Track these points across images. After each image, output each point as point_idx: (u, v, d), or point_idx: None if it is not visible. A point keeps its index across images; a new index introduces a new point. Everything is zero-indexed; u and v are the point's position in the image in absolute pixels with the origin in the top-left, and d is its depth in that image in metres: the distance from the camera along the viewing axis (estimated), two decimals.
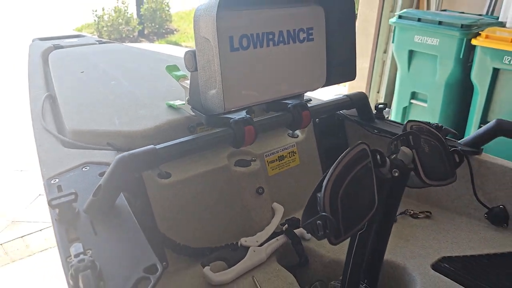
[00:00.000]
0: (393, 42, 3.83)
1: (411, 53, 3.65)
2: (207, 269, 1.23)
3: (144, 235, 0.96)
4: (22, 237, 3.32)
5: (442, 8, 4.42)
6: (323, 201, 0.85)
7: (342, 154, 0.89)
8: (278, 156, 1.53)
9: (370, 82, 5.25)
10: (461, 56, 3.26)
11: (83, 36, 2.53)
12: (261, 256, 1.30)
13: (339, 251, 1.36)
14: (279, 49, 1.21)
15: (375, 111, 1.66)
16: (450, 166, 1.14)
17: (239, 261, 1.28)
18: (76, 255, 0.85)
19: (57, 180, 1.15)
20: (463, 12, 3.88)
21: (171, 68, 1.44)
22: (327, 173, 0.86)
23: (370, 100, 4.98)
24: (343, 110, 1.67)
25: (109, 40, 2.60)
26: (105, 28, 8.47)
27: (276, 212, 1.44)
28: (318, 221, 0.84)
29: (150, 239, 0.97)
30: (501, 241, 1.39)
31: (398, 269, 1.29)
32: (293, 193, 1.55)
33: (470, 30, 3.21)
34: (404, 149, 1.02)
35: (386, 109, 1.68)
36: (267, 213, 1.45)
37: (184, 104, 1.40)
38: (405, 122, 1.11)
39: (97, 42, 2.35)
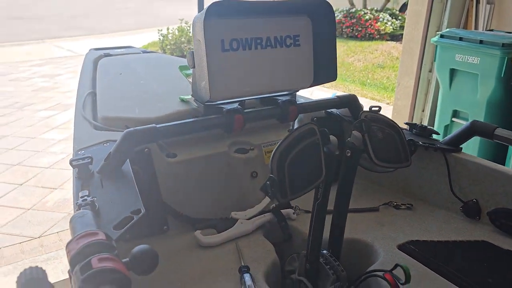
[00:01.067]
0: (435, 60, 3.89)
1: (452, 72, 3.68)
2: (198, 233, 1.46)
3: (147, 200, 1.22)
4: None
5: (490, 28, 4.40)
6: (271, 166, 1.07)
7: (292, 131, 1.11)
8: None
9: (414, 101, 5.31)
10: (502, 75, 3.26)
11: (131, 47, 2.90)
12: (247, 228, 1.52)
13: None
14: (266, 52, 1.45)
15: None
16: (404, 152, 1.31)
17: (226, 228, 1.50)
18: (82, 197, 1.13)
19: (83, 151, 1.45)
20: (510, 32, 3.84)
21: (183, 68, 1.72)
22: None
23: (415, 118, 5.05)
24: (341, 111, 1.86)
25: (152, 51, 2.96)
26: (168, 46, 9.10)
27: None
28: (267, 182, 1.06)
29: (155, 206, 1.23)
30: (471, 231, 1.52)
31: (366, 247, 1.46)
32: None
33: (511, 49, 3.22)
34: (355, 133, 1.22)
35: None
36: (259, 195, 1.67)
37: (191, 97, 1.67)
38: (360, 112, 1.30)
39: (141, 52, 2.72)
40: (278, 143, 1.08)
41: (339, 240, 1.34)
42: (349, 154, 1.20)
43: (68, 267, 0.78)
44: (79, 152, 1.44)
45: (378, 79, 7.72)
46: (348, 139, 1.23)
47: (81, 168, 1.28)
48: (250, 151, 1.68)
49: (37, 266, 0.72)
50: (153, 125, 1.35)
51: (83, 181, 1.27)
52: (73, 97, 6.47)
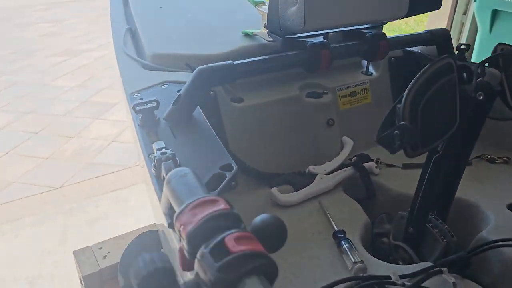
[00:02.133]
0: (475, 1, 3.57)
1: (495, 13, 3.37)
2: (274, 190, 1.25)
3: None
4: (96, 177, 3.55)
5: None
6: (402, 110, 0.83)
7: (426, 66, 0.87)
8: (350, 92, 1.51)
9: None
10: None
11: None
12: (328, 184, 1.30)
13: (408, 185, 1.34)
14: None
15: (457, 51, 1.58)
16: None
17: (306, 187, 1.29)
18: (159, 149, 0.90)
19: (139, 94, 1.21)
20: None
21: None
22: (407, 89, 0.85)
23: None
24: (422, 49, 1.60)
25: None
26: None
27: (345, 145, 1.44)
28: (396, 131, 0.83)
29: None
30: None
31: (471, 207, 1.25)
32: (363, 131, 1.53)
33: None
34: (493, 70, 0.97)
35: None
36: (336, 145, 1.44)
37: (259, 31, 1.41)
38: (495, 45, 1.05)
39: None
40: (411, 83, 0.84)
41: (449, 200, 1.13)
42: (481, 98, 0.96)
43: None
44: (134, 95, 1.20)
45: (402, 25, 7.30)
46: (480, 78, 0.98)
47: (146, 114, 1.04)
48: (324, 96, 1.44)
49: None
50: (230, 61, 1.11)
51: (148, 130, 1.04)
52: (82, 43, 6.11)
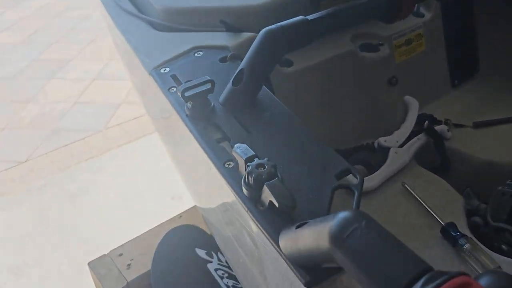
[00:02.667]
0: None
1: None
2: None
3: None
4: (65, 146, 3.17)
5: None
6: None
7: None
8: (406, 40, 1.25)
9: None
10: None
11: None
12: (405, 159, 1.08)
13: (491, 151, 1.14)
14: None
15: None
16: None
17: (381, 165, 1.06)
18: (249, 159, 0.62)
19: (167, 69, 0.91)
20: None
21: None
22: None
23: None
24: None
25: None
26: None
27: (409, 106, 1.20)
28: None
29: None
30: None
31: None
32: (421, 84, 1.30)
33: None
34: None
35: None
36: (399, 108, 1.20)
37: None
38: None
39: None
40: None
41: None
42: None
43: None
44: (162, 71, 0.89)
45: None
46: None
47: (199, 100, 0.75)
48: (381, 48, 1.17)
49: None
50: (302, 17, 0.81)
51: (205, 123, 0.75)
52: None
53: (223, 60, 0.92)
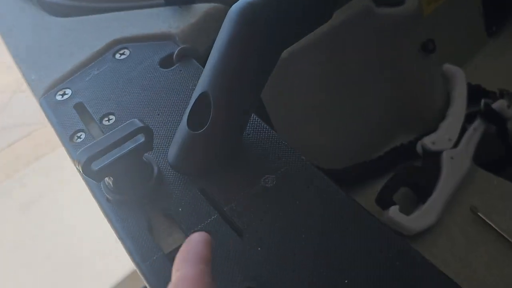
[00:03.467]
0: None
1: None
2: (395, 211, 0.65)
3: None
4: (9, 146, 2.73)
5: None
6: None
7: None
8: None
9: None
10: None
11: None
12: (466, 166, 0.72)
13: None
14: None
15: None
16: None
17: (432, 182, 0.70)
18: None
19: (68, 92, 0.51)
20: None
21: None
22: None
23: None
24: None
25: None
26: None
27: (453, 79, 0.82)
28: None
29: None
30: None
31: None
32: (454, 42, 0.92)
33: None
34: None
35: None
36: (437, 84, 0.83)
37: None
38: None
39: None
40: None
41: None
42: None
43: None
44: (59, 97, 0.49)
45: None
46: None
47: (126, 169, 0.37)
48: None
49: None
50: None
51: (137, 216, 0.37)
52: None
53: (165, 62, 0.52)
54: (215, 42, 0.40)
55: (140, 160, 0.39)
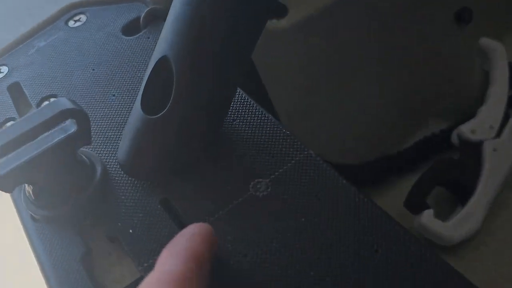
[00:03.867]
0: None
1: None
2: (428, 215, 0.52)
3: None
4: None
5: None
6: None
7: None
8: None
9: None
10: None
11: None
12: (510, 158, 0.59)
13: None
14: None
15: None
16: None
17: (472, 179, 0.57)
18: None
19: (3, 69, 0.39)
20: None
21: None
22: None
23: None
24: None
25: None
26: None
27: (492, 56, 0.69)
28: None
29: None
30: None
31: None
32: (495, 11, 0.78)
33: None
34: None
35: None
36: (473, 62, 0.70)
37: None
38: None
39: None
40: None
41: None
42: None
43: None
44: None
45: None
46: None
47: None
48: None
49: None
50: None
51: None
52: None
53: (130, 28, 0.40)
54: None
55: (71, 159, 0.27)
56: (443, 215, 0.54)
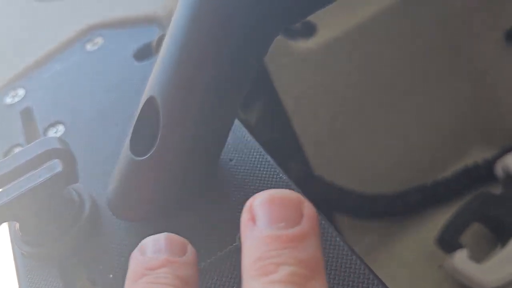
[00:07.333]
0: None
1: None
2: (462, 257, 0.48)
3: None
4: None
5: None
6: None
7: None
8: None
9: None
10: None
11: None
12: None
13: None
14: None
15: None
16: None
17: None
18: None
19: (21, 92, 0.39)
20: None
21: None
22: None
23: None
24: None
25: None
26: None
27: None
28: None
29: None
30: None
31: None
32: None
33: None
34: None
35: None
36: None
37: None
38: None
39: None
40: None
41: None
42: None
43: None
44: (9, 100, 0.38)
45: None
46: None
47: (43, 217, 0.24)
48: None
49: None
50: None
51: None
52: None
53: (142, 53, 0.39)
54: (172, 19, 0.26)
55: (57, 198, 0.26)
56: (479, 255, 0.50)
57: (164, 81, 0.24)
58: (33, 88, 0.40)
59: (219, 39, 0.23)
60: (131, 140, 0.26)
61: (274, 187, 0.27)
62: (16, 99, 0.40)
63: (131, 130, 0.27)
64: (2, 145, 0.36)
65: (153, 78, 0.25)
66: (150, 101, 0.25)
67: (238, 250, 0.24)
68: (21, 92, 0.40)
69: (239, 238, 0.24)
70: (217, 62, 0.23)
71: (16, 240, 0.27)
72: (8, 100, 0.40)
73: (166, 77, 0.24)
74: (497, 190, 0.55)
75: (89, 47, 0.42)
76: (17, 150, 0.35)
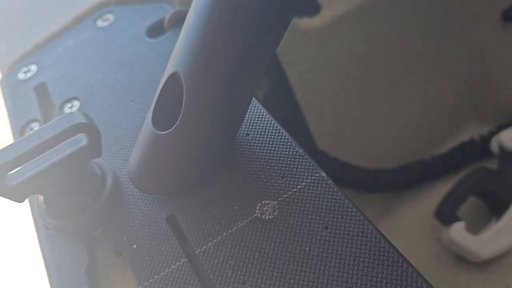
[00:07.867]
0: None
1: None
2: (459, 228, 0.50)
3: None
4: None
5: None
6: None
7: None
8: None
9: None
10: None
11: None
12: None
13: None
14: None
15: None
16: None
17: (510, 191, 0.54)
18: None
19: (33, 68, 0.40)
20: None
21: None
22: None
23: None
24: None
25: None
26: None
27: None
28: None
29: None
30: None
31: None
32: None
33: None
34: None
35: None
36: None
37: None
38: None
39: None
40: None
41: None
42: None
43: None
44: (22, 75, 0.38)
45: None
46: None
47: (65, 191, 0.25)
48: None
49: None
50: None
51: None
52: None
53: (154, 30, 0.40)
54: None
55: (81, 171, 0.27)
56: (475, 228, 0.52)
57: (188, 57, 0.25)
58: (45, 64, 0.40)
59: (243, 16, 0.24)
60: (153, 114, 0.27)
61: (290, 161, 0.28)
62: (29, 75, 0.40)
63: (153, 106, 0.27)
64: (18, 120, 0.36)
65: (176, 54, 0.26)
66: (173, 77, 0.26)
67: (256, 222, 0.26)
68: (33, 67, 0.41)
69: (259, 209, 0.26)
70: (241, 39, 0.24)
71: (40, 213, 0.28)
72: (21, 76, 0.40)
73: (190, 53, 0.25)
74: (492, 165, 0.57)
75: (99, 23, 0.42)
76: (34, 125, 0.36)
